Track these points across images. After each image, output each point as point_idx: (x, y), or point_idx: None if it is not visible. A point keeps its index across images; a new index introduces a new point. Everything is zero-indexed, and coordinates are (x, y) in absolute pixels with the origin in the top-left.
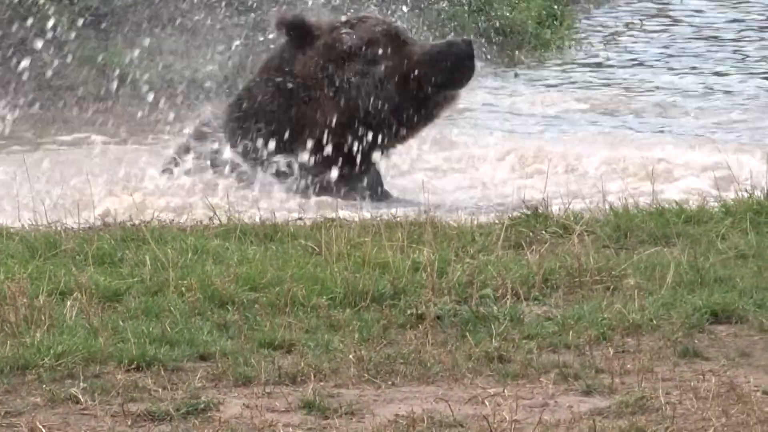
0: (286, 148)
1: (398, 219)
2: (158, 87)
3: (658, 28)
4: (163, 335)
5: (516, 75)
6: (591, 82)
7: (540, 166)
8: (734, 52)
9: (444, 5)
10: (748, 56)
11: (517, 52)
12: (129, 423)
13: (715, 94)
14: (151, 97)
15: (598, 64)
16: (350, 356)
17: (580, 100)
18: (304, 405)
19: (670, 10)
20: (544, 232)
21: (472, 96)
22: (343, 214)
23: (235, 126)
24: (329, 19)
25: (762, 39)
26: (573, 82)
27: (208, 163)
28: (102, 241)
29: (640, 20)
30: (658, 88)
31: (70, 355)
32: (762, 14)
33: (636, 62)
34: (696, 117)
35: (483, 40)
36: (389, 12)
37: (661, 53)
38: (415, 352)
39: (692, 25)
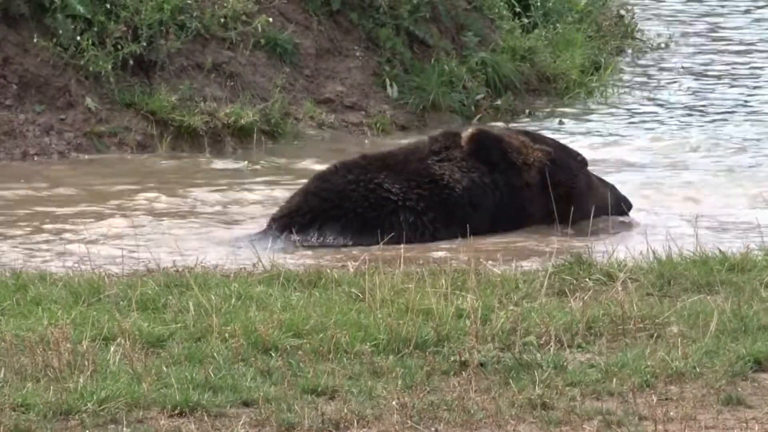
0: None
1: (442, 266)
2: (202, 132)
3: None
4: (206, 381)
5: (561, 122)
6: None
7: None
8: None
9: (484, 55)
10: None
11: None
12: None
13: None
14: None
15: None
16: (393, 403)
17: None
18: None
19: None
20: (587, 279)
21: None
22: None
23: None
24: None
25: None
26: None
27: None
28: (146, 287)
29: (682, 67)
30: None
31: (114, 401)
32: None
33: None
34: None
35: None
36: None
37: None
38: (458, 399)
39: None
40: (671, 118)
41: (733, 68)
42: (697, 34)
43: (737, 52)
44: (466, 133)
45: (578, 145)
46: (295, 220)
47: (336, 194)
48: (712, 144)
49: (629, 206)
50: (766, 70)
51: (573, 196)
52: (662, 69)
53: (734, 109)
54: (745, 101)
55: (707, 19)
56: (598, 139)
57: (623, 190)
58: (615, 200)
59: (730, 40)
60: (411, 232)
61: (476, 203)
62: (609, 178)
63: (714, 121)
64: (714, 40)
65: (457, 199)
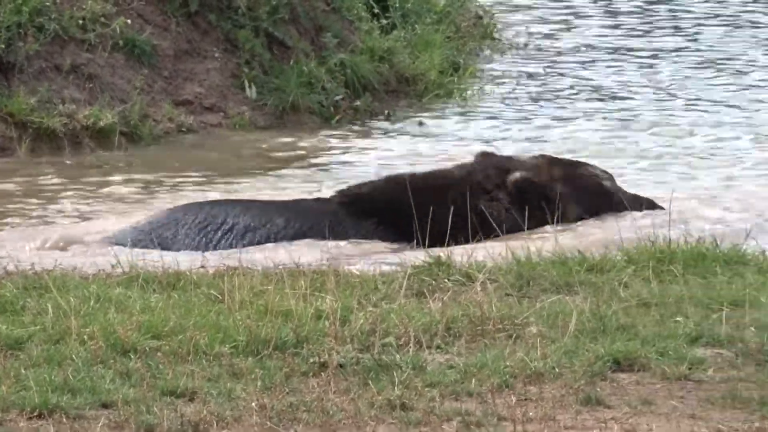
0: None
1: (301, 267)
2: (61, 134)
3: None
4: (65, 383)
5: (420, 123)
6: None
7: None
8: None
9: (343, 56)
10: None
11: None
12: None
13: None
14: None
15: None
16: (253, 404)
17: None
18: None
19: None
20: (446, 280)
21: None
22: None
23: None
24: None
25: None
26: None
27: None
28: (4, 290)
29: (544, 69)
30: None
31: None
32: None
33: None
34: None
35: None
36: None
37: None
38: (317, 400)
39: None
40: (526, 119)
41: (590, 68)
42: (555, 36)
43: (593, 55)
44: (511, 178)
45: (439, 147)
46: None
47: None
48: (569, 147)
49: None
50: (626, 74)
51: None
52: (521, 70)
53: (593, 113)
54: (605, 107)
55: (568, 19)
56: (455, 140)
57: None
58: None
59: (589, 45)
60: None
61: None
62: None
63: (569, 119)
64: (574, 42)
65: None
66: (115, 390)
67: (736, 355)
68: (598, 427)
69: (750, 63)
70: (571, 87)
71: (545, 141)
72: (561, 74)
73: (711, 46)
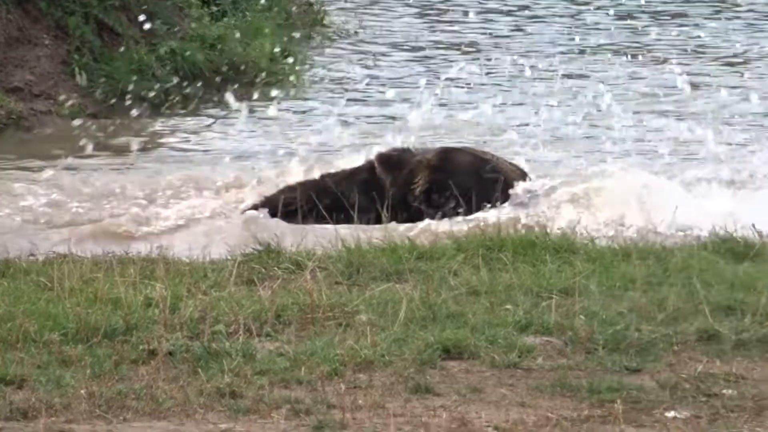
0: None
1: (131, 255)
2: None
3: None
4: None
5: (251, 111)
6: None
7: None
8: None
9: (173, 44)
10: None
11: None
12: None
13: None
14: None
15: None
16: (82, 391)
17: None
18: None
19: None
20: (276, 268)
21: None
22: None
23: None
24: None
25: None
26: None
27: None
28: None
29: (374, 55)
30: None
31: None
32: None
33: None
34: None
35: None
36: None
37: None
38: (146, 388)
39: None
40: (357, 101)
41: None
42: (386, 22)
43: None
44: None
45: (273, 131)
46: None
47: None
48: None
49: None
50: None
51: None
52: (351, 57)
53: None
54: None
55: (396, 7)
56: (285, 127)
57: None
58: None
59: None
60: None
61: None
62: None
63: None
64: (405, 30)
65: None
66: None
67: (566, 343)
68: (427, 415)
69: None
70: (400, 73)
71: (380, 123)
72: (394, 60)
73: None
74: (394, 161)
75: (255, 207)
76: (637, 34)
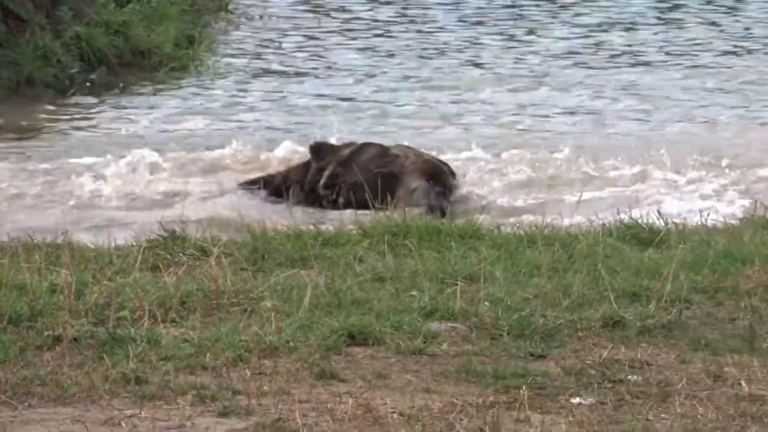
0: None
1: (36, 241)
2: None
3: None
4: None
5: (154, 94)
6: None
7: None
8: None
9: (78, 28)
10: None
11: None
12: None
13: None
14: None
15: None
16: None
17: None
18: None
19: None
20: (181, 254)
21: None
22: None
23: None
24: None
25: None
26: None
27: None
28: None
29: (279, 40)
30: None
31: None
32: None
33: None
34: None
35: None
36: None
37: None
38: (52, 374)
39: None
40: (264, 91)
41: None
42: (291, 8)
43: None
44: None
45: (176, 117)
46: None
47: None
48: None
49: None
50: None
51: None
52: (256, 42)
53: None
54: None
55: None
56: (187, 112)
57: None
58: None
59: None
60: None
61: None
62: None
63: (303, 92)
64: (308, 16)
65: None
66: None
67: (470, 329)
68: (332, 401)
69: None
70: (304, 60)
71: (285, 112)
72: (299, 47)
73: None
74: (324, 150)
75: (252, 183)
76: None
